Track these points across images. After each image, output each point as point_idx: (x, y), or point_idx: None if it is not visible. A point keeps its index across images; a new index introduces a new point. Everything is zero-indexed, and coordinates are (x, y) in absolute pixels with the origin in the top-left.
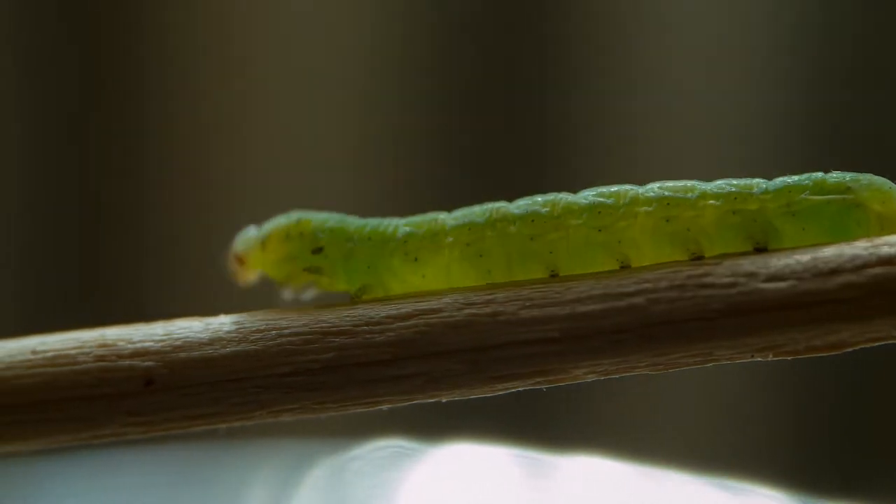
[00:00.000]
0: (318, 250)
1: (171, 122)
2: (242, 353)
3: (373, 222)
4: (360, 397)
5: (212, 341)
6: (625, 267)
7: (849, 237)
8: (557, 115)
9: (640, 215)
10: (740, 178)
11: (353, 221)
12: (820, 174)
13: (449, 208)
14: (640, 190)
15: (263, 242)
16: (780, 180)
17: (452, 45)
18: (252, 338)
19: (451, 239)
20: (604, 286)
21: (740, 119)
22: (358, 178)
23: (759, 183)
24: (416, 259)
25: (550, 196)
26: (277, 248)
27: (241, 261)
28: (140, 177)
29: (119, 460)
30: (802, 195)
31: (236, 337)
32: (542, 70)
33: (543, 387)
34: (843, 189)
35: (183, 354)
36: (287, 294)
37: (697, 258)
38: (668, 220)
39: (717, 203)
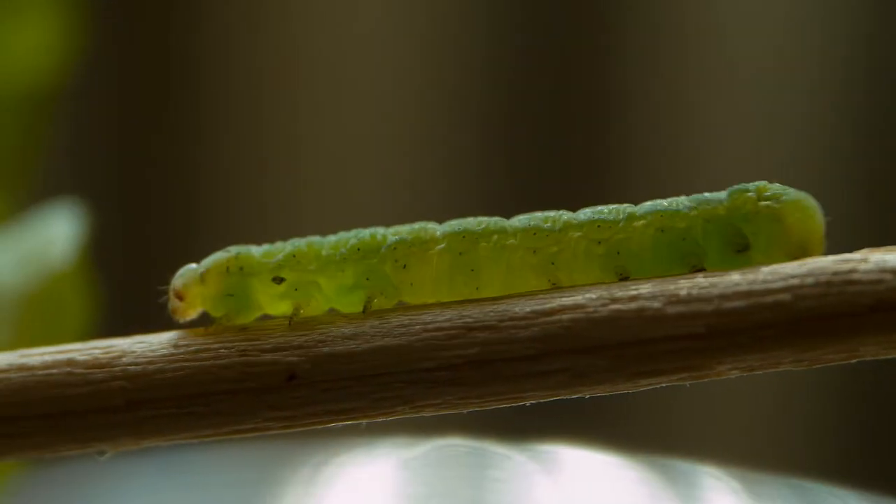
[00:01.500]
0: (278, 280)
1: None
2: (386, 348)
3: (345, 235)
4: (504, 393)
5: (355, 336)
6: (624, 278)
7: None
8: (607, 126)
9: (636, 229)
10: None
11: (322, 241)
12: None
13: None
14: (635, 208)
15: (202, 277)
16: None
17: (504, 55)
18: (396, 332)
19: (442, 246)
20: (749, 283)
21: (794, 127)
22: (408, 186)
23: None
24: (404, 266)
25: (552, 213)
26: (217, 283)
27: (180, 296)
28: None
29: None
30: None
31: (380, 332)
32: (593, 80)
33: (687, 383)
34: (768, 196)
35: (326, 349)
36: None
37: (698, 270)
38: (662, 232)
39: (645, 223)
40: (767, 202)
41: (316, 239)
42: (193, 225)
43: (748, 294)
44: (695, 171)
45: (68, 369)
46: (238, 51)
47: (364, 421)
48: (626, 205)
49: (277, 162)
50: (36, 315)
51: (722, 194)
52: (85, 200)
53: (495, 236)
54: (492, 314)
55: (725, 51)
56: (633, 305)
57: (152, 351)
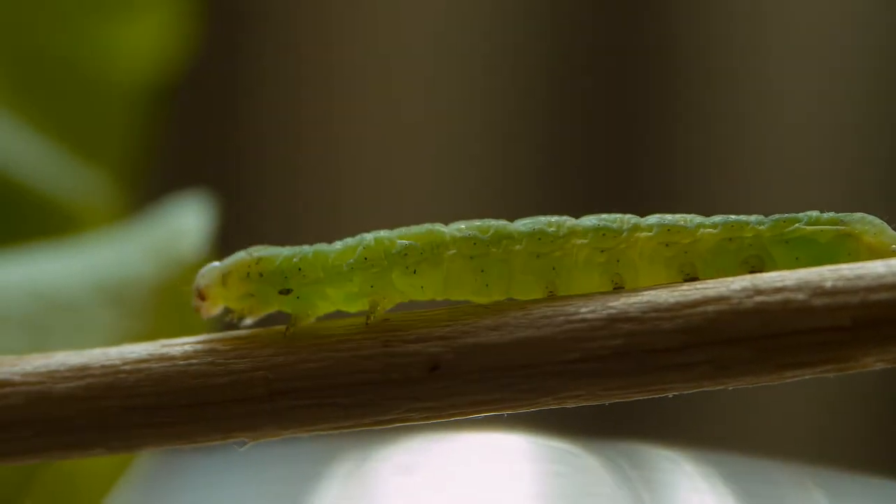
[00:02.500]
0: (285, 291)
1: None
2: (530, 339)
3: (351, 243)
4: (648, 384)
5: (498, 326)
6: (618, 288)
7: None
8: (666, 126)
9: (640, 240)
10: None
11: (326, 248)
12: (815, 212)
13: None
14: (642, 220)
15: (224, 278)
16: (775, 216)
17: (566, 50)
18: (539, 324)
19: (453, 251)
20: (894, 274)
21: (849, 138)
22: (470, 180)
23: (756, 217)
24: (414, 272)
25: (555, 217)
26: (237, 286)
27: (202, 296)
28: None
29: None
30: (796, 225)
31: (523, 323)
32: (653, 82)
33: (831, 374)
34: (836, 222)
35: (469, 340)
36: (249, 322)
37: (692, 279)
38: (667, 245)
39: (715, 231)
40: (831, 226)
41: (322, 247)
42: (311, 216)
43: (894, 286)
44: (742, 183)
45: (210, 359)
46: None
47: (506, 412)
48: (629, 215)
49: (381, 154)
50: (168, 307)
51: (755, 217)
52: (210, 192)
53: (504, 241)
54: (636, 305)
55: (776, 65)
56: (778, 297)
57: (293, 341)
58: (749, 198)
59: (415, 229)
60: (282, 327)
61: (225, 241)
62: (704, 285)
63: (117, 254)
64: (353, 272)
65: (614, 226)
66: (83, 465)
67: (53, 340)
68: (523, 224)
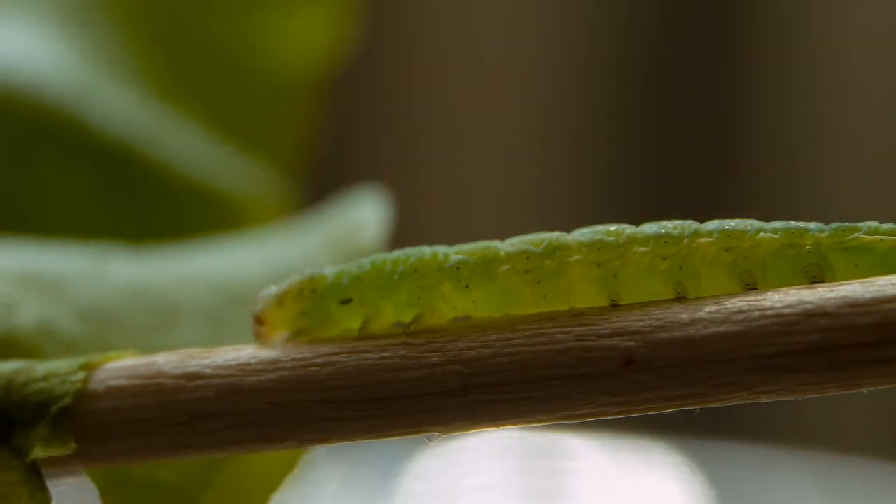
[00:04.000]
0: (346, 301)
1: None
2: (725, 334)
3: (412, 253)
4: (842, 380)
5: (693, 322)
6: (681, 297)
7: None
8: (739, 127)
9: (701, 246)
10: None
11: (385, 258)
12: (874, 222)
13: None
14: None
15: (279, 300)
16: (835, 224)
17: (636, 54)
18: (734, 319)
19: (507, 267)
20: None
21: None
22: (541, 185)
23: (816, 224)
24: (467, 286)
25: (614, 227)
26: (293, 305)
27: (260, 321)
28: None
29: None
30: (856, 234)
31: (718, 318)
32: (725, 82)
33: None
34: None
35: (664, 335)
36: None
37: (751, 288)
38: (727, 250)
39: (776, 236)
40: (891, 235)
41: (379, 257)
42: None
43: None
44: (809, 192)
45: (403, 352)
46: None
47: (698, 408)
48: (689, 221)
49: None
50: None
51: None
52: (380, 186)
53: (559, 253)
54: (832, 300)
55: (853, 60)
56: None
57: (486, 335)
58: (814, 206)
59: (470, 245)
60: (472, 321)
61: (396, 237)
62: None
63: (295, 247)
64: (402, 281)
65: (675, 232)
66: (253, 461)
67: (233, 334)
68: (580, 234)
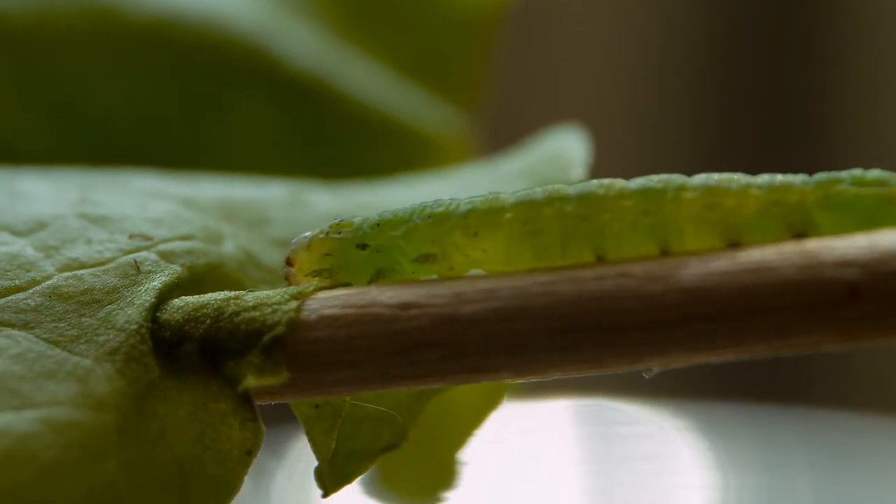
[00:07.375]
0: (362, 246)
1: None
2: None
3: (430, 203)
4: None
5: None
6: (665, 253)
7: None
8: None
9: (685, 201)
10: None
11: (406, 208)
12: (860, 170)
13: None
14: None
15: (309, 243)
16: (821, 174)
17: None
18: None
19: (510, 215)
20: None
21: None
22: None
23: (802, 177)
24: (475, 234)
25: (606, 180)
26: (318, 247)
27: (290, 262)
28: None
29: None
30: (840, 187)
31: None
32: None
33: None
34: (882, 184)
35: (885, 268)
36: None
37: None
38: (711, 208)
39: (760, 194)
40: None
41: (404, 208)
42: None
43: None
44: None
45: (621, 282)
46: None
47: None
48: (677, 175)
49: None
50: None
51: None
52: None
53: (556, 203)
54: None
55: None
56: None
57: (705, 263)
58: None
59: (481, 195)
60: (689, 252)
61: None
62: None
63: (495, 182)
64: (417, 230)
65: (658, 186)
66: (455, 396)
67: None
68: (581, 185)
